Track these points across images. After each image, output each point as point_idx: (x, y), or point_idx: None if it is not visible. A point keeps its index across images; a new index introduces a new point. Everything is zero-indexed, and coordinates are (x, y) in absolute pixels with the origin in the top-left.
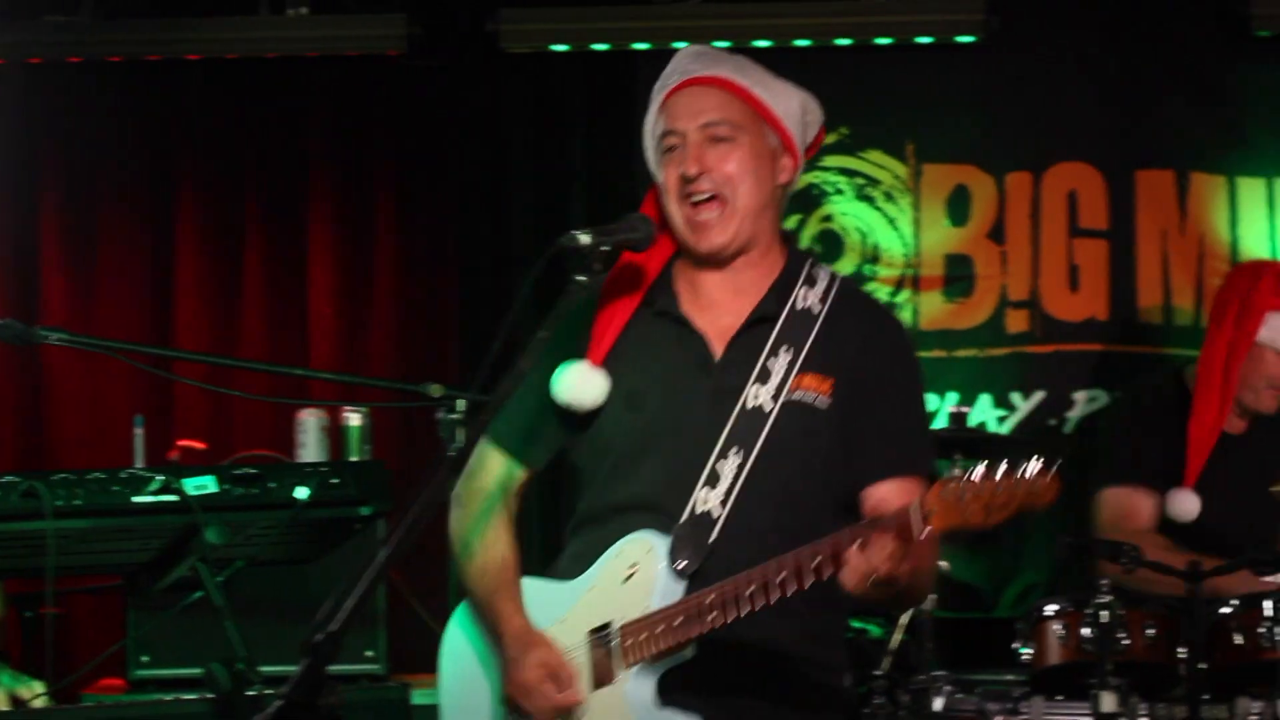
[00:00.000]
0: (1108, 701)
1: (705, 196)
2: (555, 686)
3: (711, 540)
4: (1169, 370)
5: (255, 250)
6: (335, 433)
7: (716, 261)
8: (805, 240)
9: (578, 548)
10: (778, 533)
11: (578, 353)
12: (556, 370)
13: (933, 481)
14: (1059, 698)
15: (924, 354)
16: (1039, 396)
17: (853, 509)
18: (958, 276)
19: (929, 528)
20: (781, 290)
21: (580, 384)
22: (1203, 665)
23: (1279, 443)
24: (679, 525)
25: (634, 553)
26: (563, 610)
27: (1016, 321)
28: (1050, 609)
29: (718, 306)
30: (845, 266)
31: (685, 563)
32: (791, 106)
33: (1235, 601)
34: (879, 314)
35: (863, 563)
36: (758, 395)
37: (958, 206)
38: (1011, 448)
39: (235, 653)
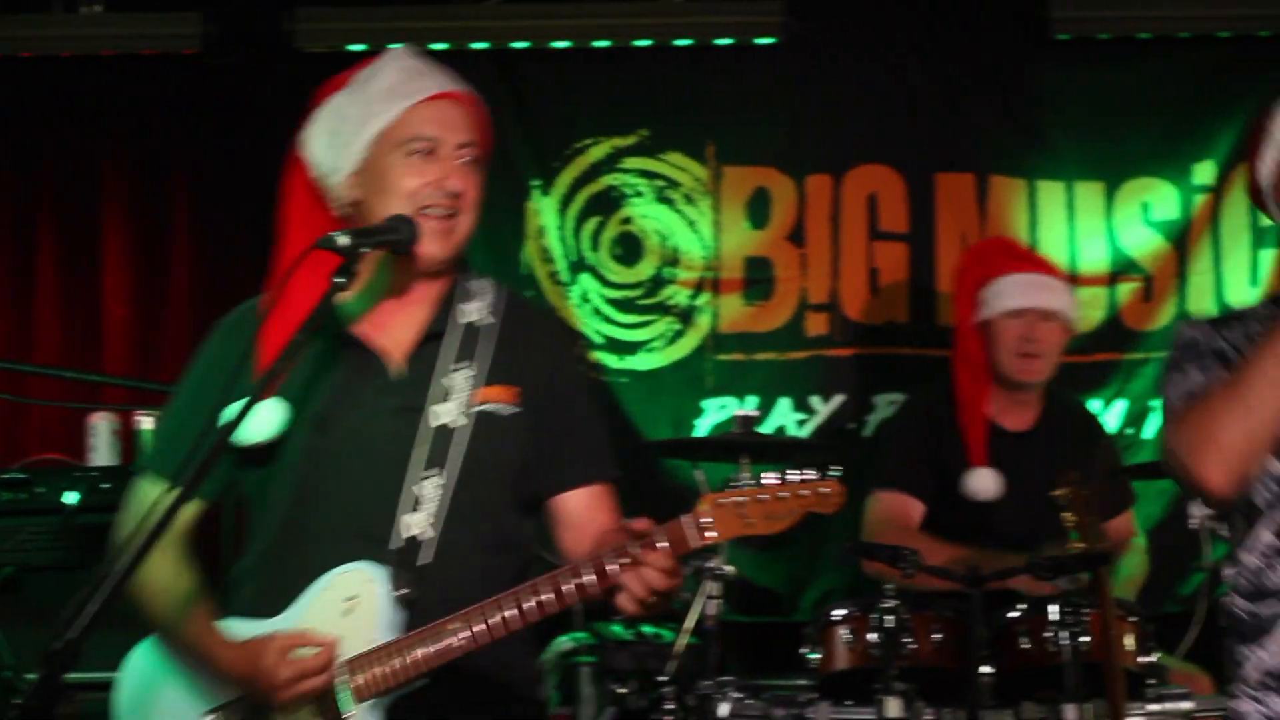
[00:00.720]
0: (893, 707)
1: (451, 212)
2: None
3: (424, 564)
4: (949, 373)
5: (48, 252)
6: (128, 436)
7: (421, 274)
8: (605, 243)
9: (264, 583)
10: (485, 551)
11: (246, 380)
12: (226, 403)
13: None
14: (848, 703)
15: (723, 357)
16: (839, 400)
17: (536, 515)
18: (757, 279)
19: (707, 538)
20: (447, 305)
21: (257, 418)
22: (988, 670)
23: (1066, 440)
24: (391, 552)
25: (350, 584)
26: None
27: (816, 324)
28: (837, 613)
29: (392, 322)
30: (645, 269)
31: (406, 590)
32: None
33: (1023, 606)
34: (553, 323)
35: (638, 583)
36: (444, 413)
37: (758, 209)
38: (799, 451)
39: (3, 661)
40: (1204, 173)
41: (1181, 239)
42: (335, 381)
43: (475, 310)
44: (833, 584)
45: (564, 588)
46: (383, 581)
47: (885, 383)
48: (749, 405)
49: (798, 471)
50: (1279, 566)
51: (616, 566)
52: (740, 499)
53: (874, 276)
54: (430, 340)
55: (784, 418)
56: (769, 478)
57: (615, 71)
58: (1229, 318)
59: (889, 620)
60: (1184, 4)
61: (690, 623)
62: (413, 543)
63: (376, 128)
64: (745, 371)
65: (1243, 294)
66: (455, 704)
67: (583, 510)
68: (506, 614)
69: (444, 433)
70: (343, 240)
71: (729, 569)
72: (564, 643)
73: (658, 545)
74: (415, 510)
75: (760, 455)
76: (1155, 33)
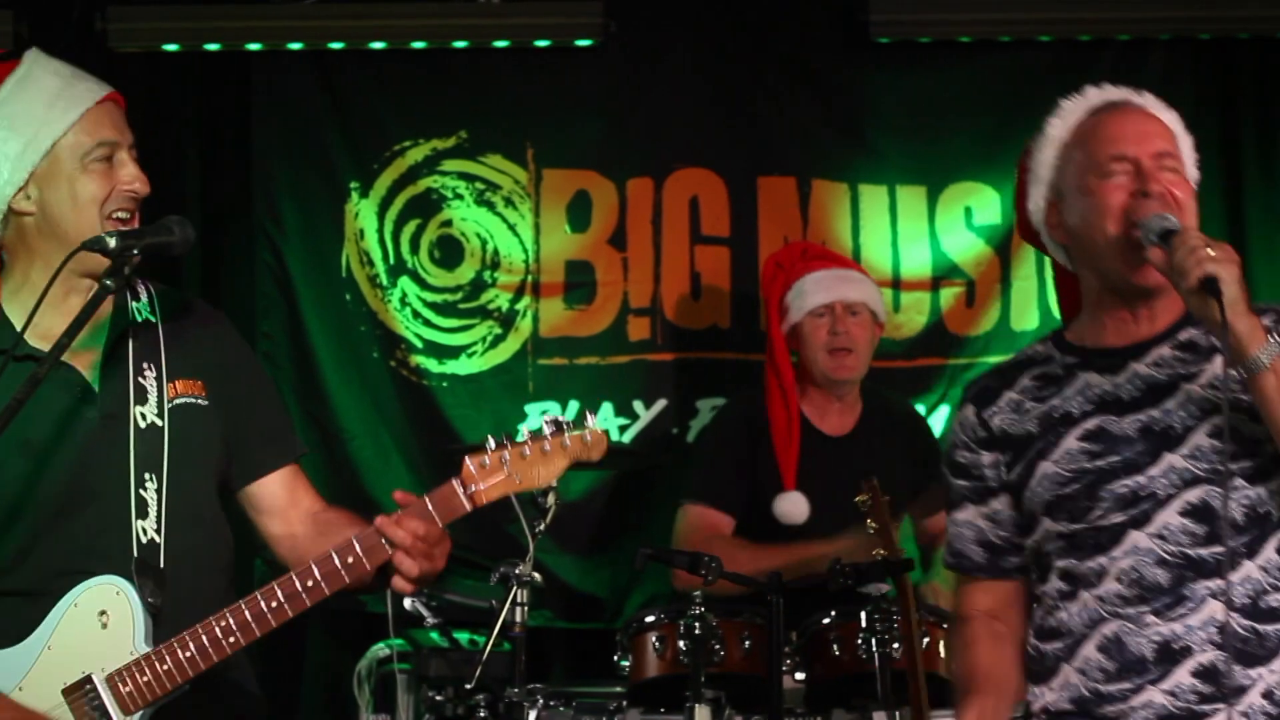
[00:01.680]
0: (702, 714)
1: (133, 214)
2: None
3: (163, 567)
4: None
5: None
6: None
7: (86, 276)
8: (425, 246)
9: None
10: (206, 544)
11: None
12: None
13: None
14: (660, 710)
15: (545, 361)
16: (661, 404)
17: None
18: (578, 283)
19: (477, 499)
20: (123, 306)
21: None
22: (801, 676)
23: (888, 442)
24: (135, 561)
25: (98, 599)
26: (16, 678)
27: (638, 329)
28: (648, 620)
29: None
30: (465, 273)
31: (153, 598)
32: None
33: (834, 613)
34: (210, 311)
35: (415, 559)
36: (147, 413)
37: (578, 212)
38: (610, 457)
39: None
40: None
41: (1004, 244)
42: (35, 402)
43: (143, 309)
44: (656, 590)
45: (329, 574)
46: (130, 591)
47: (708, 387)
48: (571, 410)
49: (555, 421)
50: (1062, 610)
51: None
52: (504, 456)
53: (696, 280)
54: (117, 343)
55: (606, 422)
56: (529, 432)
57: (433, 73)
58: (1011, 367)
59: (697, 628)
60: (1004, 8)
61: (494, 634)
62: (151, 547)
63: (50, 138)
64: (567, 376)
65: None
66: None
67: (282, 494)
68: (275, 606)
69: (151, 432)
70: (111, 242)
71: (536, 576)
72: (380, 650)
73: (424, 517)
74: (145, 516)
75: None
76: (976, 36)
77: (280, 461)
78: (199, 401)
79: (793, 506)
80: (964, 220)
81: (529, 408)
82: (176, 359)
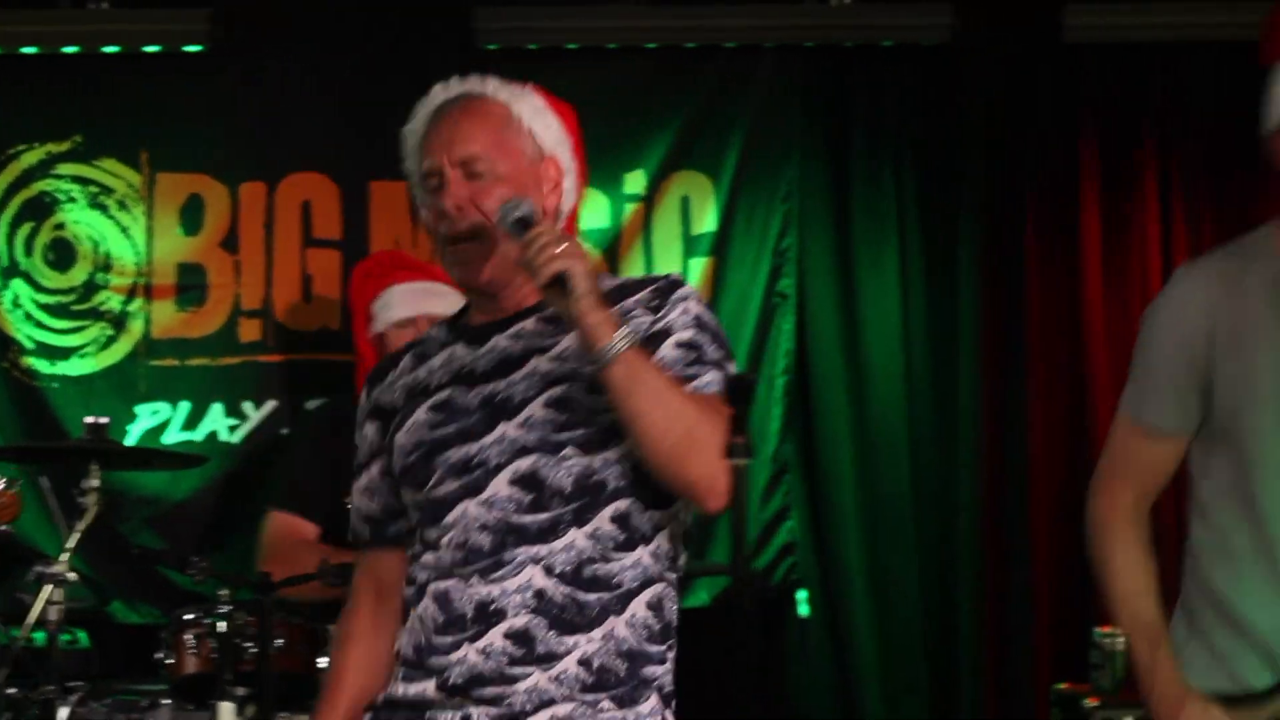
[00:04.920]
0: (226, 711)
1: None
2: None
3: None
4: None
5: None
6: None
7: None
8: (38, 248)
9: None
10: None
11: None
12: None
13: None
14: (189, 707)
15: (156, 363)
16: (271, 405)
17: None
18: (190, 286)
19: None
20: None
21: None
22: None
23: None
24: None
25: None
26: None
27: (249, 331)
28: (186, 617)
29: None
30: (78, 275)
31: None
32: None
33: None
34: None
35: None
36: None
37: (191, 216)
38: (156, 458)
39: None
40: (635, 182)
41: (612, 247)
42: None
43: None
44: None
45: None
46: None
47: (317, 388)
48: (182, 411)
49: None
50: (416, 566)
51: None
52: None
53: (307, 283)
54: None
55: (216, 423)
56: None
57: (49, 78)
58: (405, 348)
59: (222, 625)
60: (611, 15)
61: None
62: None
63: None
64: (178, 377)
65: None
66: None
67: None
68: None
69: None
70: None
71: (71, 575)
72: None
73: None
74: None
75: (110, 463)
76: (583, 43)
77: None
78: None
79: None
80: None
81: (139, 408)
82: None
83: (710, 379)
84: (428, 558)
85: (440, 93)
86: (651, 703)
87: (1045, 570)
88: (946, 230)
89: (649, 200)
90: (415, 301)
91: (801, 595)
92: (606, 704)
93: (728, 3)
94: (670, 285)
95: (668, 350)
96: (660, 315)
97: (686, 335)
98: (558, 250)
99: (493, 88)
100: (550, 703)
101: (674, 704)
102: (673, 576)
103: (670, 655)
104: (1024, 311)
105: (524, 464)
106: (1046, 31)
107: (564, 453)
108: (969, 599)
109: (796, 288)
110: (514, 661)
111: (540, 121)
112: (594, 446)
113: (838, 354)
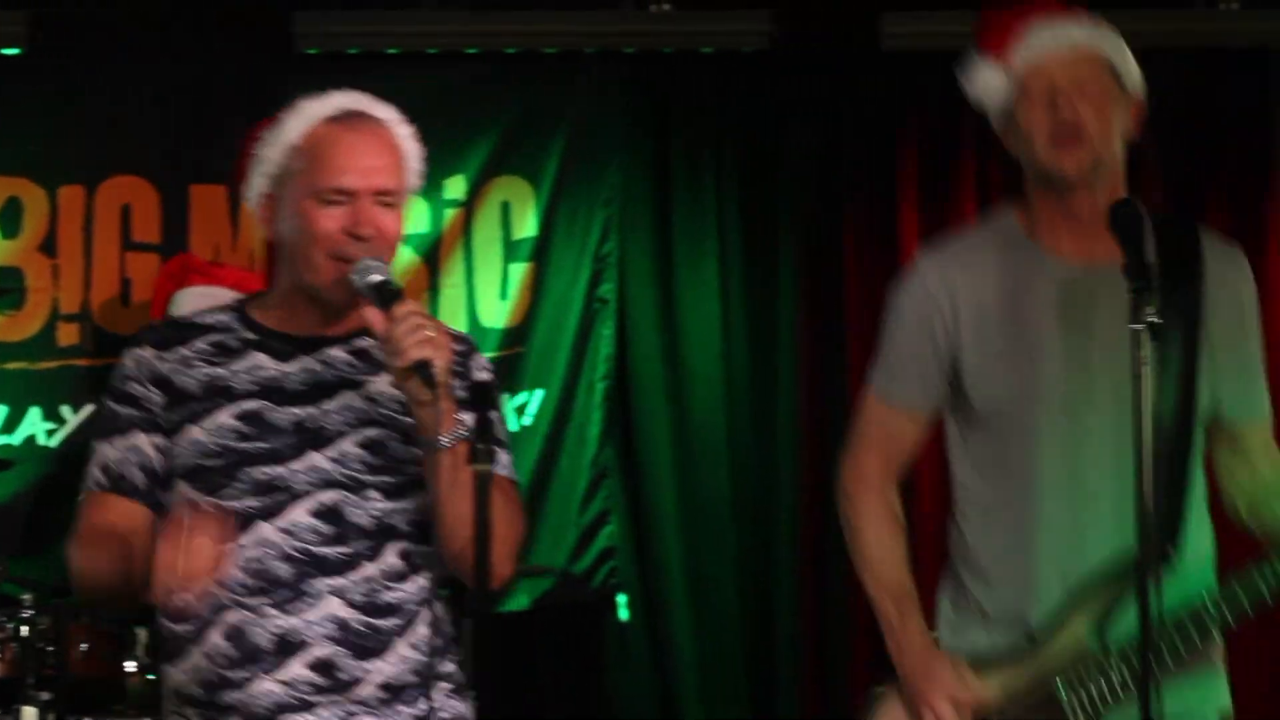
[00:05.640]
0: (29, 716)
1: None
2: None
3: None
4: None
5: None
6: None
7: None
8: None
9: None
10: None
11: None
12: None
13: None
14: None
15: None
16: (89, 409)
17: None
18: (8, 289)
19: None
20: None
21: None
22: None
23: None
24: None
25: None
26: None
27: (68, 334)
28: None
29: None
30: None
31: None
32: None
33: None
34: None
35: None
36: None
37: (9, 219)
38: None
39: None
40: (455, 187)
41: (432, 253)
42: None
43: None
44: None
45: None
46: None
47: None
48: None
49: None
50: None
51: None
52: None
53: (126, 287)
54: None
55: (34, 427)
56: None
57: None
58: (189, 326)
59: (24, 630)
60: (432, 20)
61: None
62: None
63: None
64: None
65: (494, 306)
66: None
67: None
68: None
69: None
70: None
71: None
72: None
73: None
74: None
75: None
76: (404, 48)
77: None
78: None
79: None
80: None
81: None
82: None
83: (506, 463)
84: None
85: (339, 102)
86: (442, 696)
87: None
88: (767, 236)
89: (469, 205)
90: (198, 305)
91: (621, 599)
92: (403, 708)
93: (549, 8)
94: (471, 350)
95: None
96: (464, 384)
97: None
98: (426, 336)
99: (389, 115)
100: None
101: (468, 694)
102: (444, 595)
103: (454, 659)
104: (843, 317)
105: (327, 497)
106: (865, 39)
107: (369, 494)
108: (787, 602)
109: (617, 293)
110: (317, 690)
111: (413, 156)
112: (394, 494)
113: (658, 359)
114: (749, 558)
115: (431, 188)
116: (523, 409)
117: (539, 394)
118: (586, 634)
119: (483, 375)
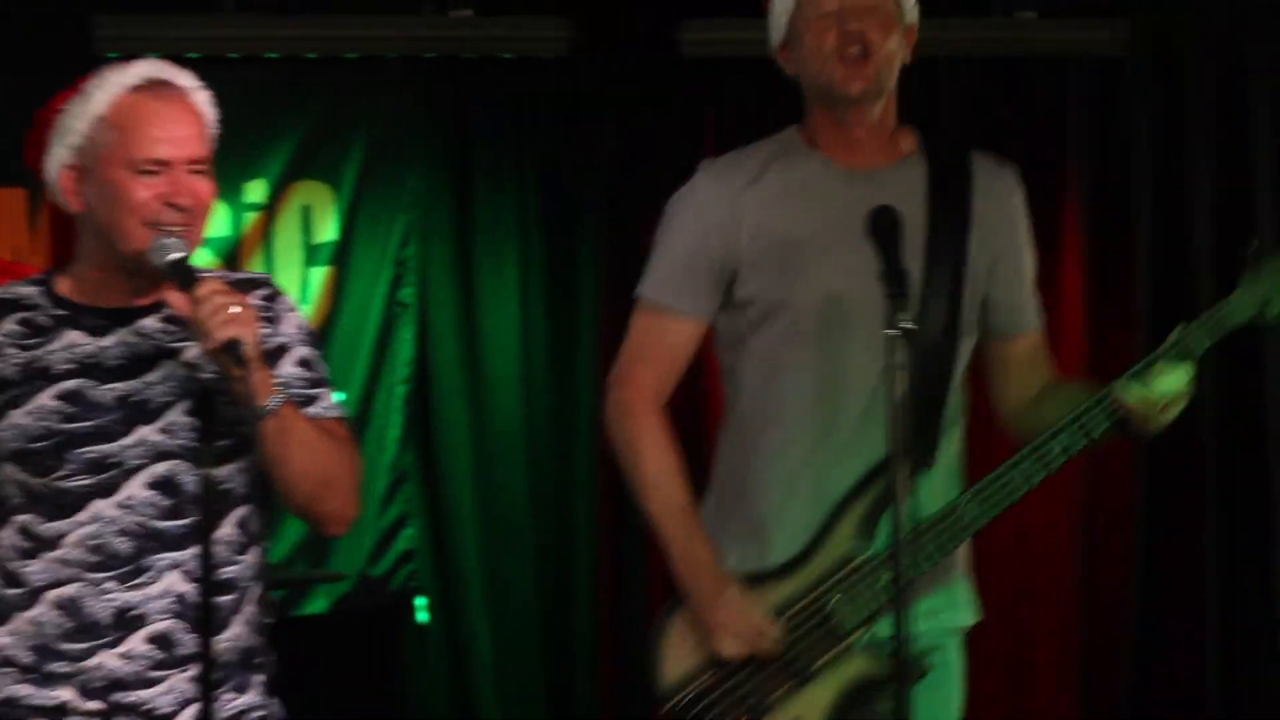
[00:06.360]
0: None
1: None
2: None
3: None
4: None
5: None
6: None
7: None
8: None
9: None
10: None
11: None
12: None
13: None
14: None
15: None
16: None
17: None
18: None
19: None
20: None
21: None
22: None
23: None
24: None
25: None
26: None
27: None
28: None
29: None
30: None
31: None
32: None
33: None
34: None
35: None
36: None
37: None
38: None
39: None
40: (255, 191)
41: (233, 256)
42: None
43: None
44: None
45: None
46: None
47: None
48: None
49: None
50: (20, 563)
51: None
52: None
53: None
54: None
55: None
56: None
57: None
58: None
59: None
60: (232, 24)
61: None
62: None
63: None
64: None
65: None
66: None
67: None
68: None
69: None
70: None
71: None
72: None
73: None
74: None
75: None
76: (205, 53)
77: None
78: None
79: None
80: None
81: None
82: None
83: (332, 401)
84: (48, 557)
85: (142, 70)
86: (259, 689)
87: (661, 577)
88: (568, 241)
89: (270, 209)
90: None
91: (420, 602)
92: (229, 694)
93: (350, 14)
94: (275, 293)
95: (288, 368)
96: (276, 329)
97: (303, 352)
98: (230, 315)
99: (191, 82)
100: (191, 701)
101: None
102: (266, 573)
103: (268, 647)
104: None
105: (161, 468)
106: (666, 45)
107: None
108: (585, 605)
109: (417, 297)
110: (155, 665)
111: (213, 121)
112: (229, 456)
113: (458, 363)
114: (547, 560)
115: (232, 191)
116: None
117: (339, 397)
118: (385, 637)
119: (290, 321)
